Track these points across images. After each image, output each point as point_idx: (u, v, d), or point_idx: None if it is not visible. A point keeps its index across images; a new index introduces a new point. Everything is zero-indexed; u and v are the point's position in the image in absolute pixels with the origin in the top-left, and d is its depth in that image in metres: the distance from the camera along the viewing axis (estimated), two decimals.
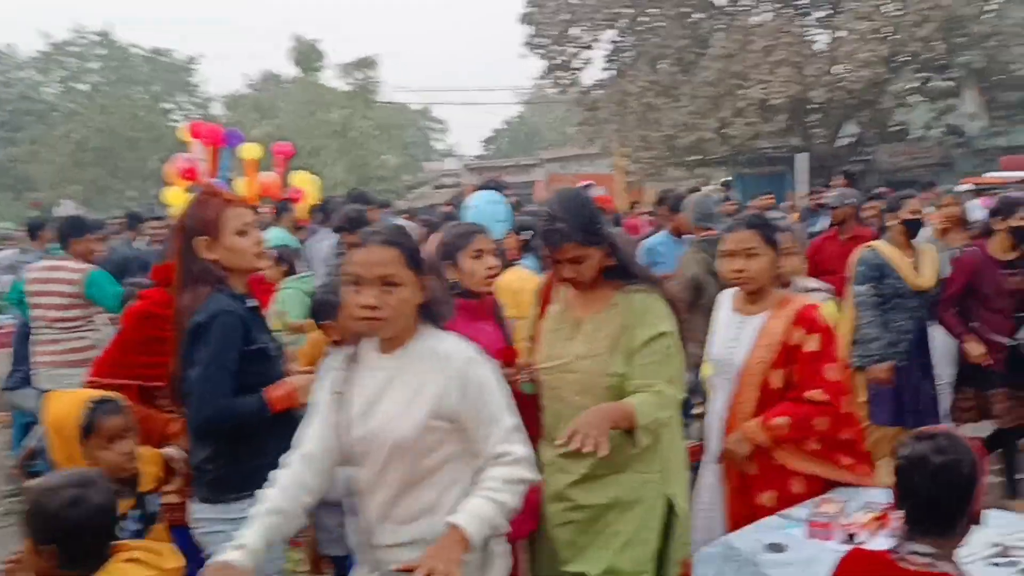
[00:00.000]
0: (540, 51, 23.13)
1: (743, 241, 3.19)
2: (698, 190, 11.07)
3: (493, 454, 2.21)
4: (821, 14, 20.47)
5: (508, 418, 2.25)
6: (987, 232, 5.20)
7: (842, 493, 3.04)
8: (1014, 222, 4.95)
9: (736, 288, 3.32)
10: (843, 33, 18.54)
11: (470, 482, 2.24)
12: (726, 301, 3.39)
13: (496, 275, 3.35)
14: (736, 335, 3.22)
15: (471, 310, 3.22)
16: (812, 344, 3.08)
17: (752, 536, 2.81)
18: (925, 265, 4.99)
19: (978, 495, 2.05)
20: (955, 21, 17.63)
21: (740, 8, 21.10)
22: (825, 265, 6.47)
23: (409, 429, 2.18)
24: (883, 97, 20.02)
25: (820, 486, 3.10)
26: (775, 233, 3.25)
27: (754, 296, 3.24)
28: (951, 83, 20.50)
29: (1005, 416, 5.00)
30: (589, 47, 22.89)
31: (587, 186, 8.92)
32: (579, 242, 2.71)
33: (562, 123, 41.34)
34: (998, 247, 5.04)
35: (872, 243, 5.12)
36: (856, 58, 17.77)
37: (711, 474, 3.28)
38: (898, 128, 22.25)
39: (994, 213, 5.14)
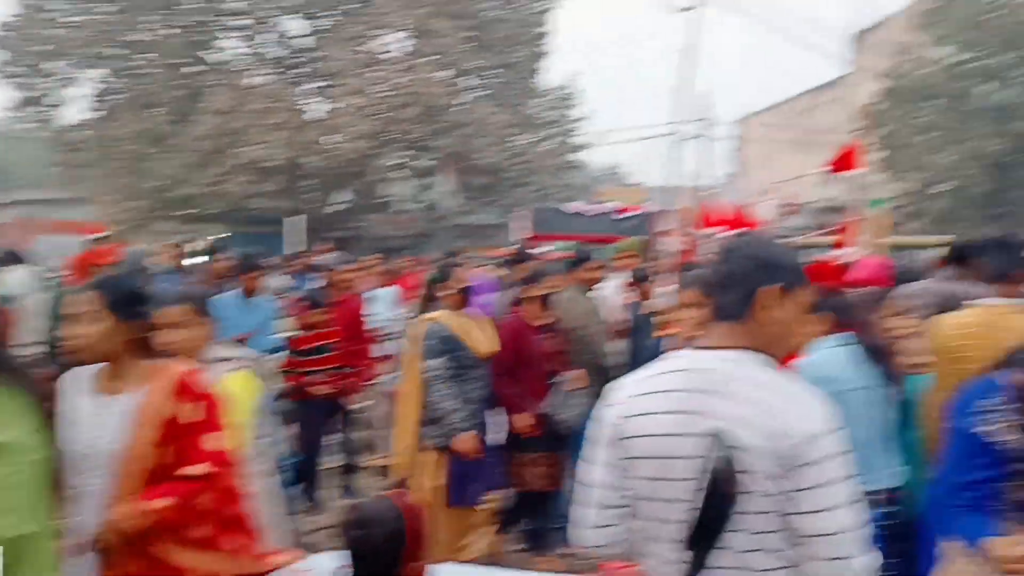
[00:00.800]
0: (14, 81, 20.72)
1: (80, 304, 2.70)
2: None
3: None
4: (318, 84, 21.30)
5: None
6: (517, 300, 5.51)
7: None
8: (539, 291, 5.32)
9: (91, 367, 2.77)
10: (340, 105, 19.49)
11: None
12: (79, 384, 2.75)
13: None
14: (103, 420, 2.68)
15: None
16: (193, 414, 2.70)
17: None
18: (482, 332, 5.03)
19: (407, 558, 2.12)
20: (434, 109, 19.53)
21: (234, 69, 21.08)
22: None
23: None
24: (372, 170, 21.38)
25: None
26: (124, 299, 2.73)
27: (115, 371, 2.73)
28: (432, 163, 22.61)
29: (531, 480, 5.26)
30: (68, 84, 21.07)
31: (99, 238, 8.08)
32: None
33: (40, 162, 37.32)
34: (531, 313, 5.34)
35: (434, 315, 5.00)
36: (348, 130, 18.77)
37: None
38: (385, 200, 23.90)
39: (525, 282, 5.49)
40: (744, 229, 8.29)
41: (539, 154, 22.38)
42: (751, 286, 1.89)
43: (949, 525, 2.27)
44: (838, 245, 8.29)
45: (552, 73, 26.29)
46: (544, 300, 5.39)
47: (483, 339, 5.00)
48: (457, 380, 4.86)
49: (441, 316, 4.97)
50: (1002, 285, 3.49)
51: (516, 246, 8.65)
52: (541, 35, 22.97)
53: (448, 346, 4.84)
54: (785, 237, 12.01)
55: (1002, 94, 20.11)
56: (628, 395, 1.99)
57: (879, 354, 3.20)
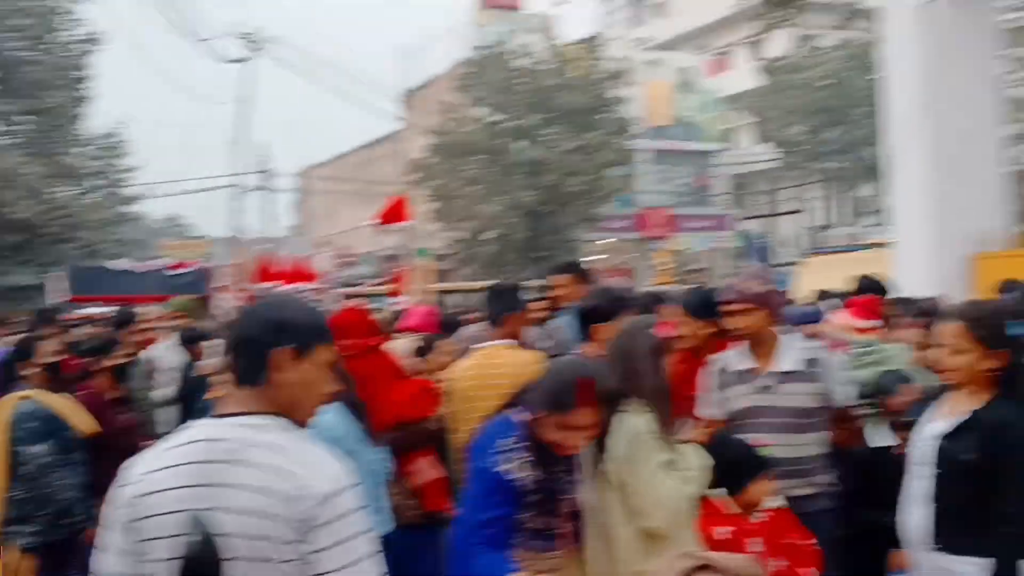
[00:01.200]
0: None
1: None
2: None
3: None
4: None
5: None
6: (86, 374, 4.98)
7: None
8: (110, 361, 4.95)
9: None
10: None
11: None
12: None
13: None
14: None
15: None
16: None
17: None
18: (77, 410, 4.49)
19: None
20: None
21: None
22: None
23: None
24: None
25: None
26: None
27: None
28: None
29: None
30: None
31: None
32: None
33: None
34: (104, 385, 4.93)
35: (27, 393, 4.32)
36: None
37: None
38: None
39: (94, 352, 5.03)
40: (299, 283, 8.33)
41: (84, 207, 20.58)
42: (263, 349, 1.85)
43: (471, 564, 2.39)
44: (393, 294, 8.67)
45: (96, 120, 24.22)
46: (115, 371, 5.02)
47: (84, 419, 4.47)
48: (61, 467, 4.24)
49: (36, 395, 4.34)
50: (500, 328, 3.88)
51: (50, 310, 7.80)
52: (81, 79, 21.25)
53: (49, 427, 4.24)
54: (344, 287, 12.29)
55: (533, 151, 22.58)
56: (142, 472, 1.83)
57: (360, 409, 3.33)
